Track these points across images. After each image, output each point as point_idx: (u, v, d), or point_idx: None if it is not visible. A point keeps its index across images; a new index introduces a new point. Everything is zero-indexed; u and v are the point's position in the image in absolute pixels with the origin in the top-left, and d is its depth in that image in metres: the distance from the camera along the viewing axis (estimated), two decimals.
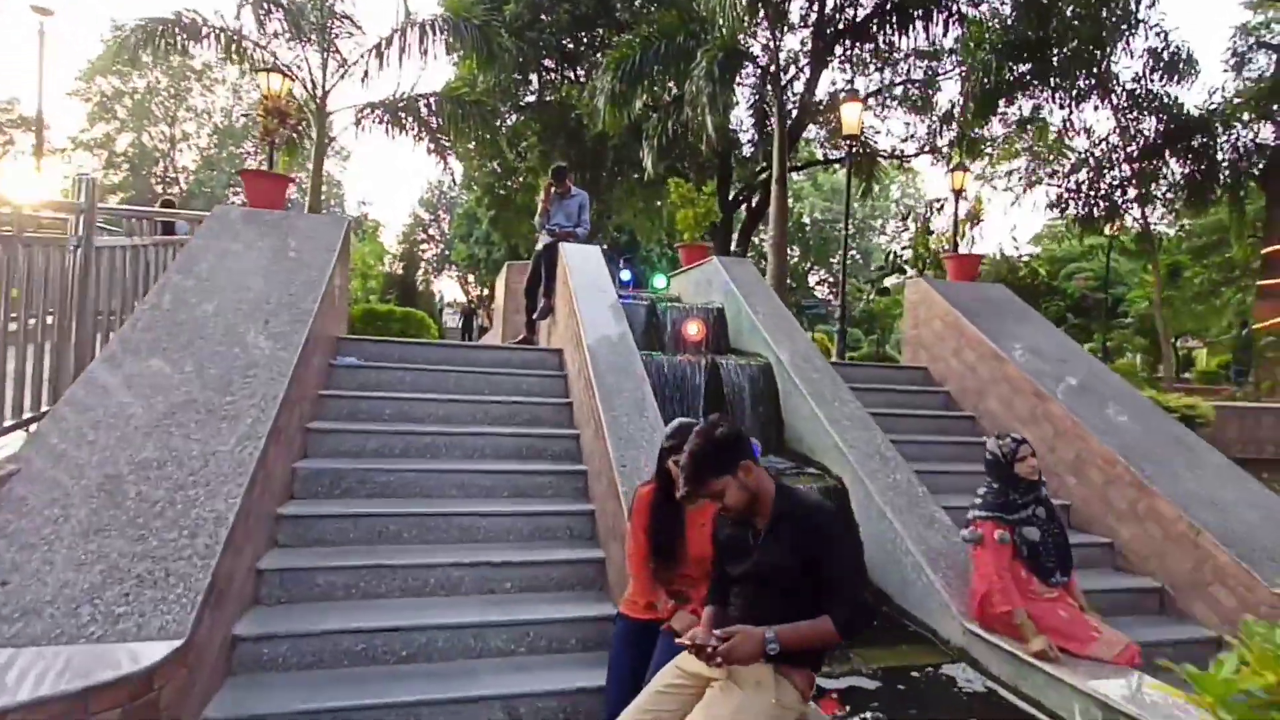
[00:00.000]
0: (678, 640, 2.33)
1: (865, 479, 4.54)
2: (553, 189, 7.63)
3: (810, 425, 5.40)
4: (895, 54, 19.03)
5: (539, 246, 7.61)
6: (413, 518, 4.29)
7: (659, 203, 27.71)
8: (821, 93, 20.22)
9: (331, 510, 4.23)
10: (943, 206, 14.49)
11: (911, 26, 14.33)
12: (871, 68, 20.77)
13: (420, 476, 4.67)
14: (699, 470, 2.33)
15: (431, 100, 15.08)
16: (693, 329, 6.37)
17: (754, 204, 21.42)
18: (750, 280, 7.16)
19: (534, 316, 7.39)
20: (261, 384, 4.06)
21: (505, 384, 5.82)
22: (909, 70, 20.31)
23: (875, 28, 15.30)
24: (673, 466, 2.65)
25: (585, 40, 24.12)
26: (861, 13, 15.91)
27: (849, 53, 19.56)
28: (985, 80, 10.51)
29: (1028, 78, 11.07)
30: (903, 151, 21.09)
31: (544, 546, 4.37)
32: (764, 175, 21.59)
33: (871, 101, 18.88)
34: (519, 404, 5.60)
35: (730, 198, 22.18)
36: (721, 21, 14.25)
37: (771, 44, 15.27)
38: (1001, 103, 11.28)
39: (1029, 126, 14.19)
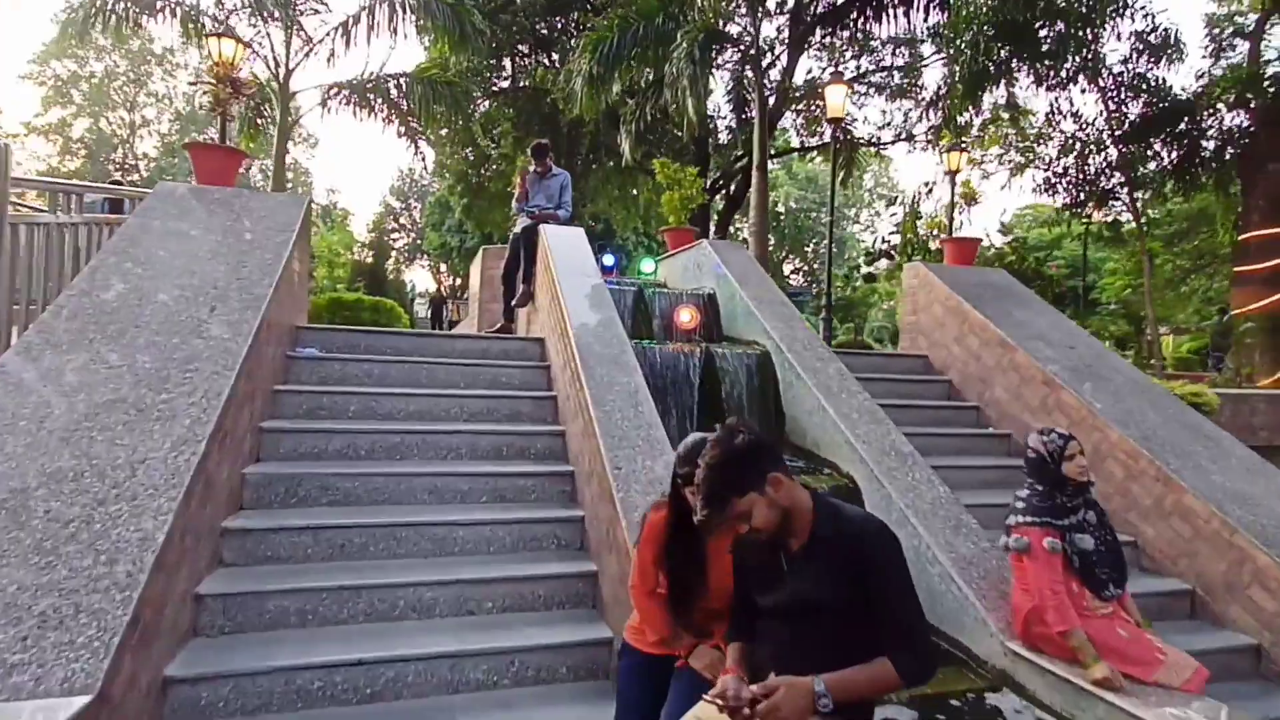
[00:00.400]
0: (706, 697, 1.87)
1: (882, 479, 4.12)
2: (532, 168, 7.10)
3: (817, 419, 4.96)
4: (873, 40, 18.77)
5: (517, 229, 7.08)
6: (380, 529, 3.78)
7: (634, 190, 27.23)
8: (799, 79, 19.93)
9: (287, 522, 3.70)
10: (931, 189, 14.18)
11: (889, 13, 13.97)
12: (849, 54, 20.55)
13: (388, 481, 4.14)
14: (718, 489, 1.86)
15: (402, 81, 14.36)
16: (685, 316, 5.91)
17: (732, 191, 21.00)
18: (744, 264, 6.70)
19: (512, 304, 6.87)
20: (204, 379, 3.51)
21: (483, 376, 5.31)
22: (888, 57, 20.06)
23: (854, 13, 14.91)
24: (690, 495, 2.18)
25: (560, 25, 23.46)
26: None
27: (826, 38, 19.24)
28: (974, 63, 10.16)
29: (1014, 61, 10.74)
30: (879, 139, 20.81)
31: (529, 559, 3.88)
32: (742, 163, 21.17)
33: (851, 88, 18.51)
34: (498, 398, 5.09)
35: (708, 185, 21.75)
36: (701, 3, 13.76)
37: (751, 27, 14.77)
38: (988, 86, 10.93)
39: (1015, 110, 13.88)
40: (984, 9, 10.10)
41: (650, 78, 15.61)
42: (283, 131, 13.73)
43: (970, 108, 11.39)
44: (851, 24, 14.62)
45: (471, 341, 5.92)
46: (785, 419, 5.44)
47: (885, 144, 20.16)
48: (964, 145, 10.37)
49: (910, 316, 7.26)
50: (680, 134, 16.69)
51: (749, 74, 16.82)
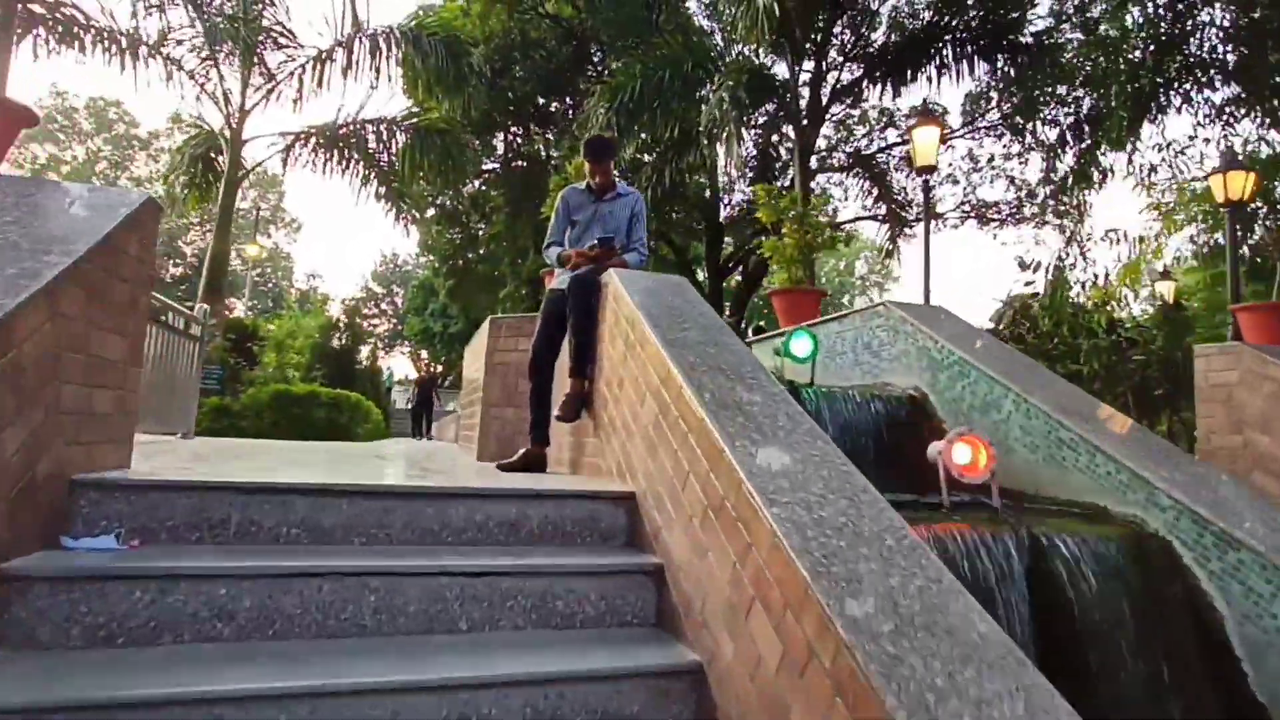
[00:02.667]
0: None
1: None
2: (586, 183, 4.00)
3: None
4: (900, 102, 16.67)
5: (555, 286, 3.92)
6: None
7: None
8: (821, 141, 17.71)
9: None
10: (1121, 239, 11.08)
11: (964, 56, 11.65)
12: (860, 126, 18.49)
13: None
14: None
15: (382, 127, 11.51)
16: (963, 454, 2.71)
17: (750, 269, 18.29)
18: (993, 347, 3.58)
19: (555, 415, 3.61)
20: None
21: (512, 598, 2.04)
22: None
23: (918, 61, 12.62)
24: None
25: (556, 106, 21.29)
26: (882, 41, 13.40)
27: (849, 106, 17.13)
28: (1133, 80, 7.63)
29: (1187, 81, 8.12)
30: (906, 215, 18.42)
31: None
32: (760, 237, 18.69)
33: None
34: (560, 680, 1.80)
35: (720, 263, 19.14)
36: (742, 44, 11.37)
37: (793, 71, 12.33)
38: (1154, 113, 8.36)
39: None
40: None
41: (675, 133, 13.10)
42: (231, 184, 10.68)
43: (1129, 140, 8.69)
44: (919, 73, 12.24)
45: (478, 502, 2.59)
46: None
47: (957, 217, 17.71)
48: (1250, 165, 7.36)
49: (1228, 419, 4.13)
50: (705, 196, 14.06)
51: (785, 128, 14.37)
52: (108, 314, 2.27)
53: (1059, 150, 13.08)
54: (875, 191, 15.47)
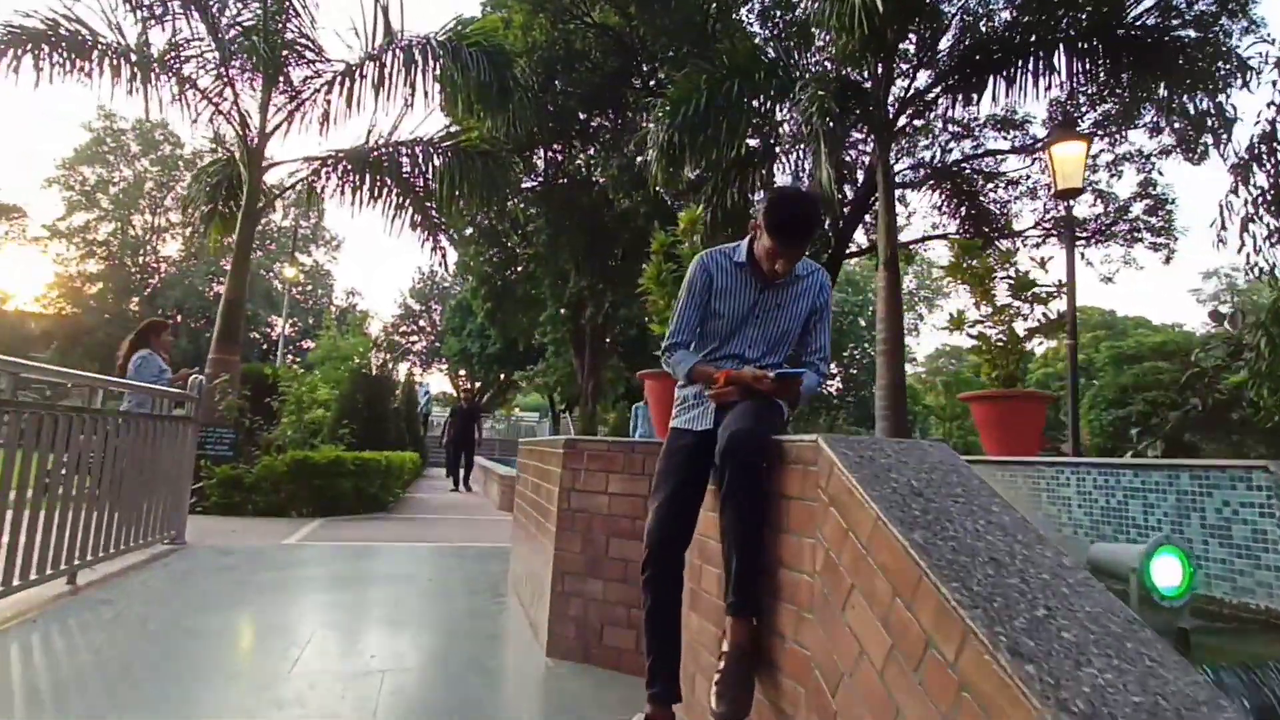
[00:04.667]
0: None
1: None
2: (748, 254, 2.27)
3: None
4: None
5: (684, 422, 2.32)
6: None
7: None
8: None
9: None
10: None
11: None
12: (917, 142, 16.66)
13: None
14: None
15: (418, 150, 10.09)
16: None
17: None
18: None
19: (715, 711, 1.94)
20: None
21: None
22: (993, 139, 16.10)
23: (1002, 65, 10.81)
24: None
25: (597, 122, 19.87)
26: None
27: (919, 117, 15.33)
28: None
29: None
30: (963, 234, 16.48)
31: None
32: (825, 256, 16.90)
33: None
34: None
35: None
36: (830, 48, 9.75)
37: (878, 78, 10.61)
38: None
39: None
40: None
41: (740, 151, 11.48)
42: (250, 216, 9.34)
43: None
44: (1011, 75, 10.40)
45: None
46: None
47: (1038, 235, 15.81)
48: None
49: None
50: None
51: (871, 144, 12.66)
52: None
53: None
54: (963, 209, 13.64)
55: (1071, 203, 7.08)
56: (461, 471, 13.24)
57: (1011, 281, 3.19)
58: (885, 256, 10.62)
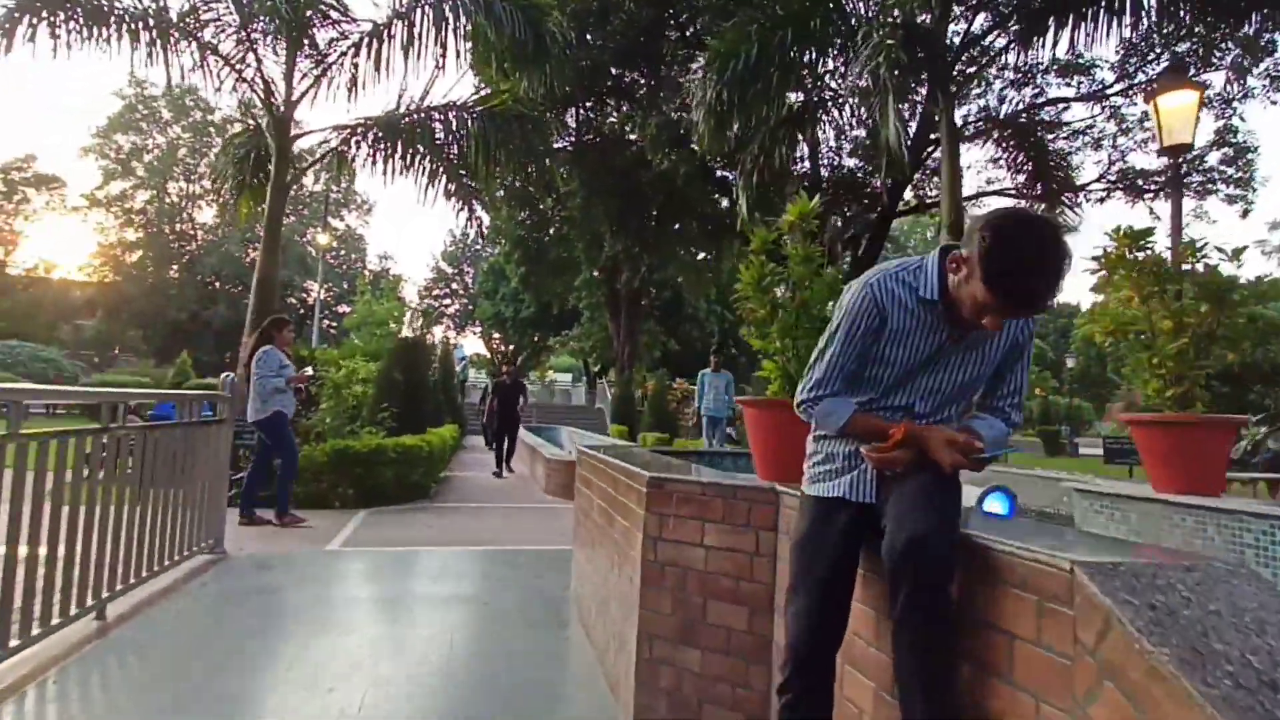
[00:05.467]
0: None
1: None
2: (943, 289, 1.53)
3: None
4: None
5: (830, 489, 1.76)
6: None
7: (713, 252, 22.07)
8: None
9: None
10: None
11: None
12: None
13: None
14: None
15: (451, 116, 9.46)
16: None
17: (860, 253, 15.68)
18: None
19: None
20: None
21: None
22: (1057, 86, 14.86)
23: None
24: None
25: (631, 78, 18.92)
26: None
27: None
28: None
29: None
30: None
31: None
32: (873, 214, 16.02)
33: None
34: None
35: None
36: None
37: (940, 23, 9.63)
38: None
39: None
40: None
41: (793, 105, 10.61)
42: (280, 188, 8.87)
43: None
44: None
45: None
46: None
47: (1102, 189, 14.78)
48: None
49: None
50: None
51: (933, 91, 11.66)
52: None
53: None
54: (1029, 164, 12.60)
55: (1182, 159, 6.24)
56: (503, 451, 12.62)
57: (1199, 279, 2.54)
58: (949, 219, 9.80)
